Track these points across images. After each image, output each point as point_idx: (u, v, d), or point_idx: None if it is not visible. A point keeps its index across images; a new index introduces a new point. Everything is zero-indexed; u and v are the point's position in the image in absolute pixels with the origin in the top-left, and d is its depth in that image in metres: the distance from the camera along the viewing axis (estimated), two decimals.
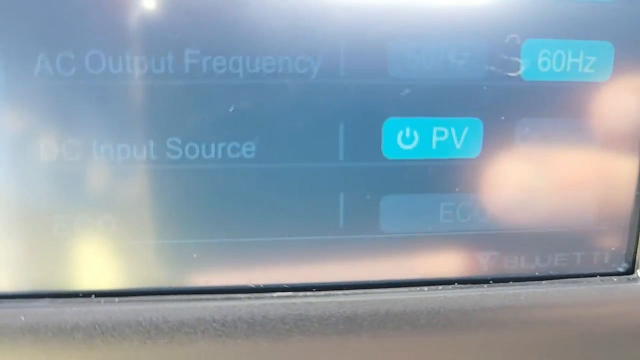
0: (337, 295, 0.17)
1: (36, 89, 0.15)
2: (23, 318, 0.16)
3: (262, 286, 0.17)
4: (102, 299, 0.17)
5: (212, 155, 0.16)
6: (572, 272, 0.18)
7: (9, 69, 0.15)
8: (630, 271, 0.18)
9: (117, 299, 0.17)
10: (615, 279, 0.18)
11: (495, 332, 0.17)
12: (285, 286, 0.17)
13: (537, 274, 0.18)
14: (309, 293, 0.17)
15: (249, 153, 0.16)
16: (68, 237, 0.16)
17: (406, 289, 0.17)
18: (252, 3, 0.15)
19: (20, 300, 0.16)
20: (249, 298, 0.17)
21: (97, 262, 0.17)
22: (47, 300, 0.16)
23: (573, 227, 0.18)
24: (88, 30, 0.15)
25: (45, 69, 0.15)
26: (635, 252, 0.18)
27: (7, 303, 0.16)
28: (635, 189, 0.18)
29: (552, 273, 0.18)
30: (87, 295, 0.17)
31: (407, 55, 0.16)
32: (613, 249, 0.18)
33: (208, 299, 0.17)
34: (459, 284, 0.18)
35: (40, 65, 0.15)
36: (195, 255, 0.17)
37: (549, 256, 0.18)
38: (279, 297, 0.17)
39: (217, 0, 0.15)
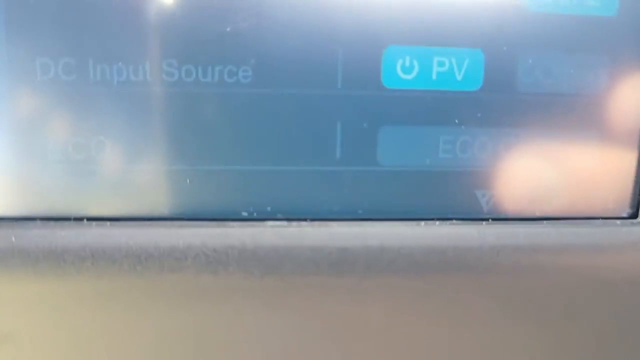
0: (331, 226, 0.17)
1: (33, 6, 0.15)
2: (13, 239, 0.16)
3: (255, 215, 0.17)
4: (94, 222, 0.16)
5: (209, 79, 0.16)
6: (573, 215, 0.18)
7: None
8: (634, 215, 0.18)
9: (108, 223, 0.16)
10: (618, 222, 0.18)
11: (491, 272, 0.17)
12: (278, 216, 0.17)
13: (537, 214, 0.18)
14: (302, 223, 0.17)
15: (245, 77, 0.16)
16: (61, 160, 0.16)
17: (401, 223, 0.17)
18: None
19: (11, 221, 0.16)
20: (241, 226, 0.16)
21: (89, 186, 0.16)
22: (39, 222, 0.16)
23: (575, 168, 0.18)
24: None
25: None
26: None
27: None
28: (639, 131, 0.17)
29: (554, 215, 0.18)
30: (78, 219, 0.16)
31: None
32: (616, 192, 0.18)
33: (200, 226, 0.16)
34: (456, 220, 0.17)
35: None
36: (188, 181, 0.16)
37: (550, 197, 0.18)
38: (271, 226, 0.16)
39: None
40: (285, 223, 0.17)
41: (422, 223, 0.17)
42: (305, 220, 0.17)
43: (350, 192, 0.17)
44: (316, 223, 0.17)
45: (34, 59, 0.16)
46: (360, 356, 0.18)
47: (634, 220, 0.18)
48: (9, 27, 0.15)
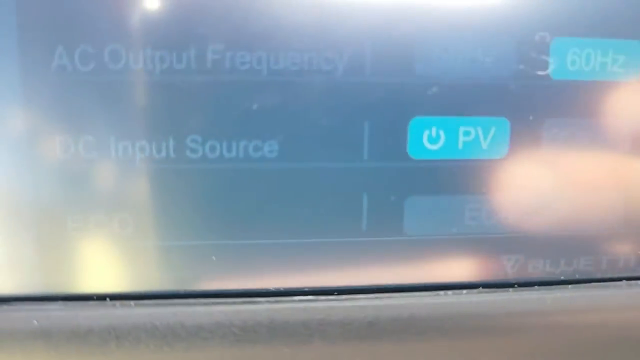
0: (359, 299, 0.16)
1: (53, 83, 0.15)
2: (35, 322, 0.16)
3: (282, 289, 0.16)
4: (117, 302, 0.16)
5: (233, 154, 0.16)
6: (597, 276, 0.18)
7: (25, 63, 0.15)
8: None
9: (132, 302, 0.16)
10: None
11: (521, 337, 0.17)
12: (306, 289, 0.16)
13: (562, 277, 0.18)
14: (330, 297, 0.16)
15: (271, 152, 0.16)
16: (83, 237, 0.16)
17: (430, 293, 0.17)
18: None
19: (32, 302, 0.16)
20: (269, 302, 0.16)
21: (112, 264, 0.16)
22: (60, 302, 0.16)
23: (598, 230, 0.18)
24: (108, 23, 0.15)
25: (62, 63, 0.15)
26: None
27: (19, 305, 0.16)
28: None
29: (577, 277, 0.18)
30: (101, 298, 0.16)
31: (433, 53, 0.16)
32: (639, 252, 0.18)
33: (227, 303, 0.16)
34: (483, 287, 0.17)
35: (58, 59, 0.15)
36: (214, 257, 0.16)
37: (574, 259, 0.18)
38: (299, 301, 0.16)
39: None
40: (312, 297, 0.16)
41: (450, 292, 0.17)
42: (332, 293, 0.16)
43: (376, 262, 0.17)
44: (343, 296, 0.16)
45: (54, 137, 0.15)
46: None
47: None
48: (29, 105, 0.15)
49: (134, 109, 0.15)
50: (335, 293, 0.16)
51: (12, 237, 0.16)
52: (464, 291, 0.17)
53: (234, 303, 0.16)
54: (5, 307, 0.16)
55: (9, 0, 0.14)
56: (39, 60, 0.15)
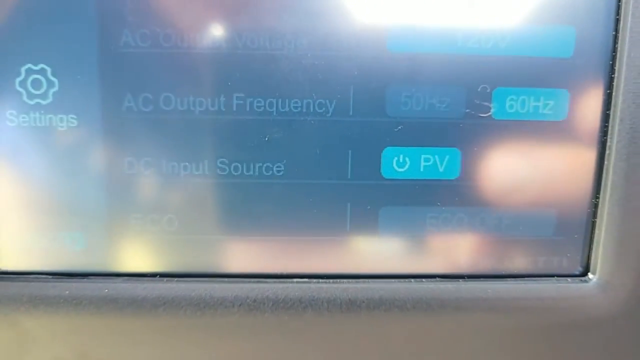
0: (342, 282, 0.22)
1: (123, 120, 0.21)
2: (106, 290, 0.22)
3: (284, 273, 0.22)
4: (164, 279, 0.22)
5: (251, 172, 0.21)
6: (534, 273, 0.23)
7: (105, 105, 0.21)
8: (584, 274, 0.23)
9: (175, 279, 0.22)
10: (569, 279, 0.22)
11: (467, 319, 0.22)
12: (302, 274, 0.22)
13: (504, 272, 0.22)
14: (320, 280, 0.22)
15: (278, 171, 0.21)
16: (141, 231, 0.22)
17: (397, 280, 0.22)
18: (283, 61, 0.20)
19: (105, 277, 0.22)
20: (275, 282, 0.22)
21: (161, 250, 0.22)
22: (124, 277, 0.22)
23: (537, 236, 0.22)
24: (162, 77, 0.21)
25: (130, 105, 0.21)
26: (588, 258, 0.23)
27: (95, 279, 0.22)
28: (587, 206, 0.22)
29: (517, 272, 0.22)
30: (153, 275, 0.22)
31: (400, 98, 0.21)
32: (569, 255, 0.23)
33: (244, 282, 0.22)
34: (439, 278, 0.22)
35: (127, 102, 0.21)
36: (236, 248, 0.22)
37: (516, 259, 0.23)
38: (297, 282, 0.22)
39: (258, 59, 0.20)
40: (306, 280, 0.22)
41: (412, 280, 0.22)
42: (322, 278, 0.22)
43: (357, 255, 0.22)
44: (330, 280, 0.22)
45: (124, 158, 0.21)
46: None
47: (583, 278, 0.22)
48: (106, 135, 0.21)
49: (180, 139, 0.21)
50: (324, 278, 0.22)
51: (91, 231, 0.22)
52: (423, 280, 0.22)
53: (249, 282, 0.22)
54: (84, 280, 0.22)
55: (93, 66, 0.20)
56: (113, 104, 0.21)
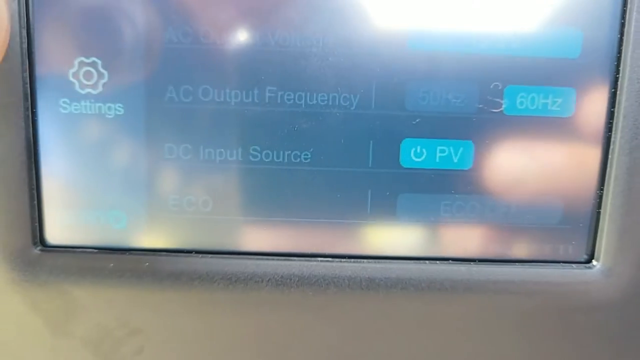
0: (362, 262, 0.24)
1: (165, 110, 0.23)
2: (146, 264, 0.24)
3: (309, 252, 0.24)
4: (200, 255, 0.24)
5: (280, 159, 0.23)
6: (541, 259, 0.24)
7: (149, 96, 0.23)
8: (588, 261, 0.24)
9: (209, 255, 0.24)
10: (574, 266, 0.24)
11: (476, 299, 0.24)
12: (325, 254, 0.24)
13: (512, 257, 0.24)
14: (342, 260, 0.24)
15: (306, 159, 0.23)
16: (178, 212, 0.24)
17: (412, 261, 0.24)
18: (312, 58, 0.22)
19: (145, 252, 0.24)
20: (300, 260, 0.24)
21: (197, 229, 0.24)
22: (163, 253, 0.24)
23: (544, 224, 0.24)
24: (201, 71, 0.23)
25: (171, 96, 0.23)
26: (593, 246, 0.24)
27: (136, 253, 0.24)
28: (592, 197, 0.24)
29: (525, 258, 0.24)
30: (189, 251, 0.24)
31: (419, 94, 0.23)
32: (574, 242, 0.24)
33: (272, 259, 0.24)
34: (452, 261, 0.24)
35: (169, 93, 0.23)
36: (265, 228, 0.24)
37: (524, 246, 0.24)
38: (321, 261, 0.24)
39: (289, 56, 0.22)
40: (329, 259, 0.24)
41: (427, 262, 0.24)
42: (344, 257, 0.24)
43: (376, 238, 0.24)
44: (351, 260, 0.24)
45: (164, 144, 0.23)
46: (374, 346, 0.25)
47: (587, 264, 0.24)
48: (149, 124, 0.23)
49: (216, 127, 0.23)
50: (346, 257, 0.24)
51: (133, 211, 0.24)
52: (437, 262, 0.24)
53: (278, 260, 0.24)
54: (127, 254, 0.24)
55: (139, 60, 0.22)
56: (156, 94, 0.23)
